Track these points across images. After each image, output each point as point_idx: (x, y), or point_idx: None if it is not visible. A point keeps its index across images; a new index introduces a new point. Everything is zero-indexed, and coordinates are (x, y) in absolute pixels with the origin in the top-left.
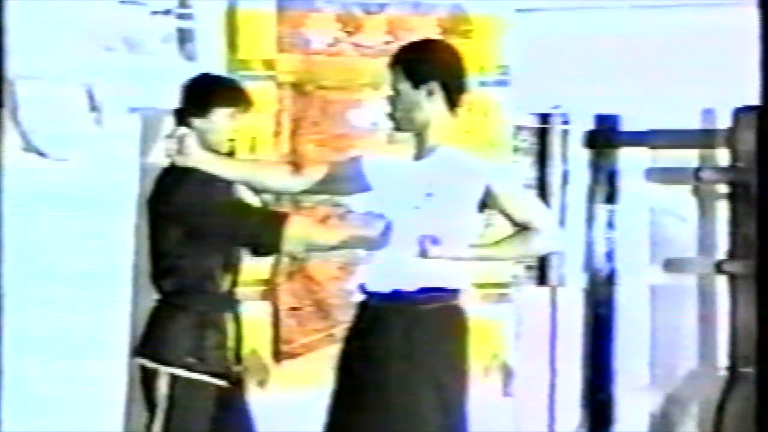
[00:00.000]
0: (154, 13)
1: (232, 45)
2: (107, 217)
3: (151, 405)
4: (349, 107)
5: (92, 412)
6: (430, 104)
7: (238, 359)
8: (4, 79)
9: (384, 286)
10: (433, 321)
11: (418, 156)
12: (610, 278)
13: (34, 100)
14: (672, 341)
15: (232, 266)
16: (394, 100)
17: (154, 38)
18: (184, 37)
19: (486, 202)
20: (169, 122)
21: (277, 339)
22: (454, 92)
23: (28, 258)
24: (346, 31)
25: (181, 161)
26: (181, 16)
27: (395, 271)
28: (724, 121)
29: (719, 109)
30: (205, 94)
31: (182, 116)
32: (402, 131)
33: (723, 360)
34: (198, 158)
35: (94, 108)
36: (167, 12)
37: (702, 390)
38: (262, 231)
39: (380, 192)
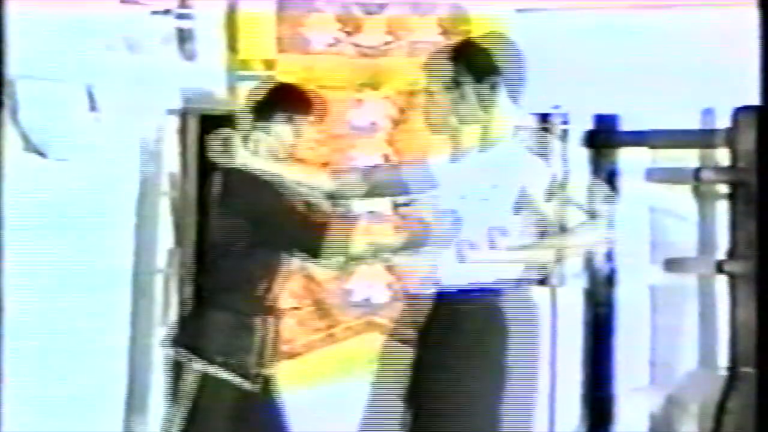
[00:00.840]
0: (154, 13)
1: (232, 45)
2: (107, 216)
3: (176, 396)
4: (349, 107)
5: (92, 412)
6: (493, 98)
7: (261, 363)
8: (4, 79)
9: (460, 280)
10: (506, 313)
11: (482, 149)
12: (610, 278)
13: (34, 100)
14: (672, 341)
15: (272, 270)
16: (456, 95)
17: (154, 38)
18: (184, 37)
19: (524, 202)
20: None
21: (276, 339)
22: (515, 86)
23: (29, 258)
24: (346, 31)
25: (226, 162)
26: (181, 16)
27: (468, 264)
28: (724, 121)
29: (719, 109)
30: (281, 104)
31: (254, 122)
32: (465, 123)
33: (723, 360)
34: (243, 161)
35: (94, 108)
36: (167, 12)
37: (702, 390)
38: (301, 238)
39: (447, 187)
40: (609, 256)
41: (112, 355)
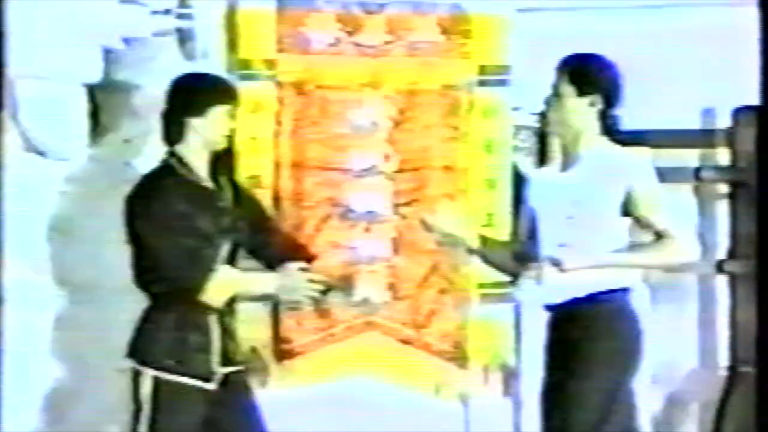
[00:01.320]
0: (154, 13)
1: (232, 45)
2: (107, 216)
3: (136, 405)
4: (349, 107)
5: (93, 412)
6: (589, 114)
7: (227, 361)
8: (4, 79)
9: (558, 298)
10: (606, 322)
11: (565, 166)
12: None
13: (34, 100)
14: (672, 341)
15: (216, 268)
16: (552, 102)
17: (154, 38)
18: (184, 37)
19: (627, 207)
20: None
21: (277, 339)
22: (612, 108)
23: (29, 258)
24: (347, 31)
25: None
26: (181, 16)
27: (562, 282)
28: (724, 121)
29: (719, 109)
30: (203, 93)
31: (176, 116)
32: (551, 132)
33: (723, 360)
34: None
35: (93, 108)
36: (167, 12)
37: (702, 390)
38: (184, 275)
39: (537, 209)
40: None
41: (112, 355)
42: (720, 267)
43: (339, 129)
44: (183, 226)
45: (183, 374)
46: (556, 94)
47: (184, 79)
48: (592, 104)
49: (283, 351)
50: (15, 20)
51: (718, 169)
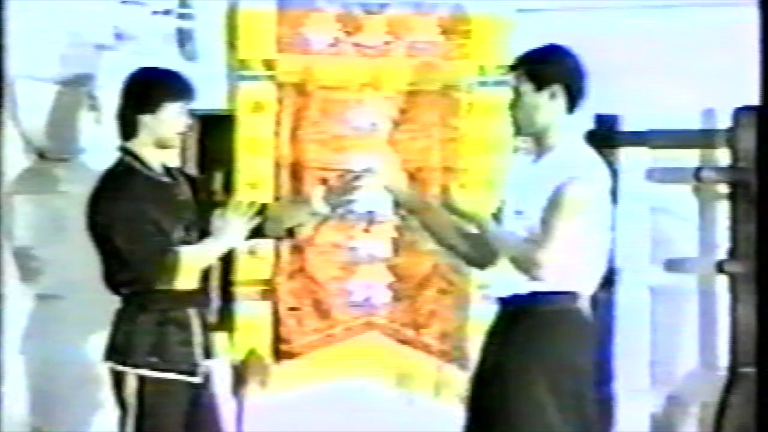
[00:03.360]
0: (154, 13)
1: (232, 45)
2: None
3: (122, 406)
4: (349, 107)
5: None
6: (552, 106)
7: (208, 355)
8: (4, 79)
9: (506, 291)
10: (551, 322)
11: (537, 157)
12: (610, 278)
13: (34, 100)
14: (672, 341)
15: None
16: (515, 103)
17: (154, 38)
18: (184, 38)
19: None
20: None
21: (277, 339)
22: (575, 96)
23: (29, 258)
24: (346, 31)
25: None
26: (181, 16)
27: (516, 276)
28: (724, 121)
29: (719, 109)
30: (154, 90)
31: (128, 114)
32: (521, 134)
33: (723, 360)
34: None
35: (94, 108)
36: (167, 12)
37: (702, 390)
38: (155, 271)
39: (506, 196)
40: (609, 256)
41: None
42: (720, 267)
43: (339, 129)
44: (147, 224)
45: (168, 371)
46: (517, 94)
47: (137, 75)
48: (552, 96)
49: (282, 351)
50: (15, 20)
51: (718, 169)
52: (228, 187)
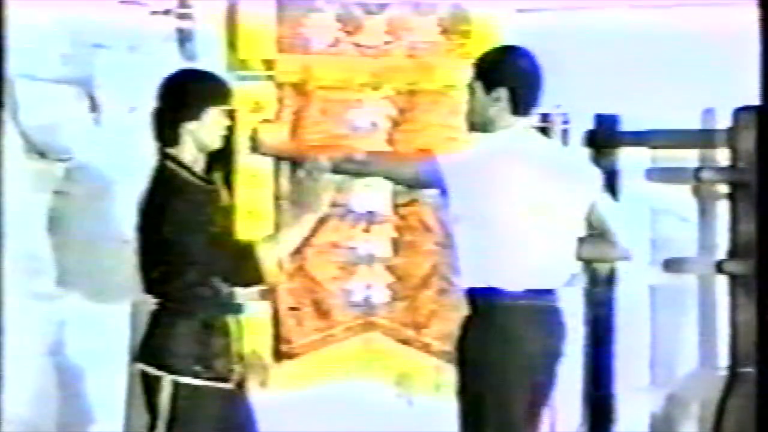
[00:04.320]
0: (154, 13)
1: (232, 45)
2: (107, 217)
3: (152, 411)
4: (349, 107)
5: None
6: (496, 108)
7: (240, 359)
8: (4, 79)
9: (479, 283)
10: (527, 319)
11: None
12: (610, 278)
13: (34, 100)
14: (672, 341)
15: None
16: (468, 102)
17: (154, 38)
18: (184, 37)
19: None
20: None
21: (277, 339)
22: (521, 99)
23: (29, 258)
24: (346, 31)
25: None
26: (181, 16)
27: (492, 269)
28: (724, 121)
29: (719, 109)
30: (196, 96)
31: (170, 122)
32: (473, 131)
33: (723, 360)
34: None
35: (94, 108)
36: (167, 12)
37: (702, 390)
38: (239, 265)
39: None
40: None
41: (112, 355)
42: (720, 267)
43: (339, 129)
44: (199, 228)
45: (208, 378)
46: (471, 93)
47: (177, 80)
48: (497, 99)
49: (282, 351)
50: (15, 20)
51: (718, 169)
52: (228, 187)
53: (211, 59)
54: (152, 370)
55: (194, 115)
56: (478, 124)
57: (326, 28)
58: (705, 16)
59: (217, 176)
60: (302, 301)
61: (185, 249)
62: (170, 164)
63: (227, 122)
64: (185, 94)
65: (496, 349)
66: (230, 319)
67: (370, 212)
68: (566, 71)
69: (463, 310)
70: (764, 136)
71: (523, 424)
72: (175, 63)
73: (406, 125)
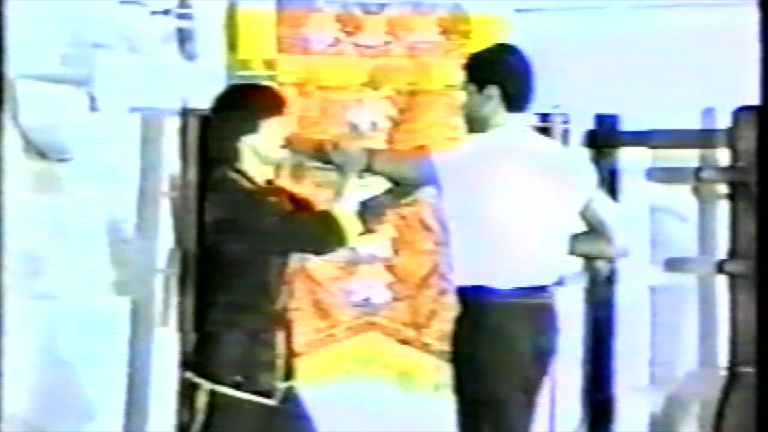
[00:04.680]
0: (154, 13)
1: (232, 45)
2: (107, 217)
3: (189, 416)
4: (349, 107)
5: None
6: (489, 107)
7: (288, 376)
8: (4, 79)
9: (471, 281)
10: (517, 316)
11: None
12: (610, 278)
13: (34, 100)
14: (672, 341)
15: (287, 282)
16: (464, 103)
17: (154, 38)
18: (184, 37)
19: None
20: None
21: None
22: (513, 96)
23: (29, 258)
24: (346, 31)
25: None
26: (181, 16)
27: (482, 267)
28: (724, 121)
29: (719, 109)
30: (252, 110)
31: (229, 138)
32: (470, 132)
33: (723, 360)
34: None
35: (94, 108)
36: (167, 12)
37: (702, 390)
38: (323, 232)
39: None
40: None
41: (112, 355)
42: (720, 267)
43: (339, 129)
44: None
45: (248, 391)
46: (466, 93)
47: (230, 94)
48: (489, 97)
49: None
50: (15, 20)
51: (718, 169)
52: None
53: (211, 59)
54: (194, 377)
55: (251, 128)
56: (475, 123)
57: (326, 28)
58: (705, 16)
59: (282, 186)
60: (303, 301)
61: (244, 258)
62: (232, 174)
63: (285, 132)
64: (240, 108)
65: (487, 347)
66: (278, 334)
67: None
68: (566, 71)
69: None
70: (764, 136)
71: (517, 421)
72: (175, 63)
73: (406, 125)
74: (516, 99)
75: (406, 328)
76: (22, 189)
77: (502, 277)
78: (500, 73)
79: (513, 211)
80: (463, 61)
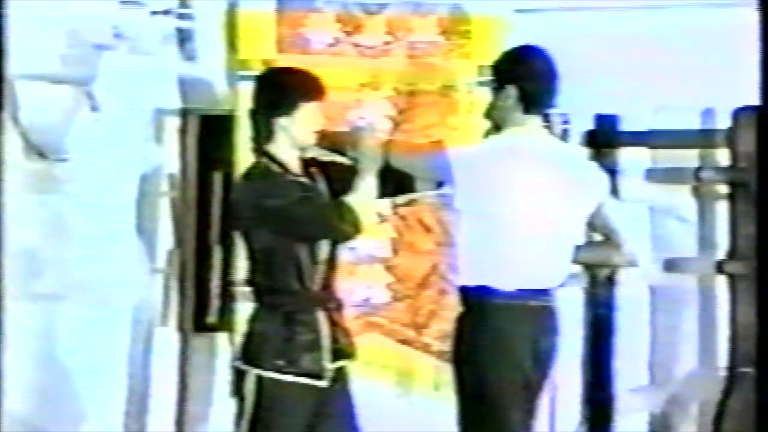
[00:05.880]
0: (154, 13)
1: (232, 45)
2: (107, 217)
3: (240, 402)
4: (349, 107)
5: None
6: (507, 106)
7: (336, 356)
8: (4, 79)
9: (475, 281)
10: (519, 318)
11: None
12: (610, 278)
13: (34, 100)
14: (672, 341)
15: (322, 263)
16: (488, 102)
17: (154, 38)
18: (184, 37)
19: None
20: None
21: None
22: (531, 96)
23: (29, 258)
24: (346, 31)
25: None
26: (181, 16)
27: (487, 268)
28: (724, 121)
29: (719, 109)
30: (289, 92)
31: (263, 118)
32: (492, 130)
33: (723, 360)
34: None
35: (94, 108)
36: (167, 12)
37: (702, 390)
38: (338, 220)
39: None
40: None
41: (111, 356)
42: (720, 267)
43: (339, 129)
44: (292, 223)
45: (292, 373)
46: (490, 90)
47: (269, 76)
48: (507, 96)
49: None
50: (15, 20)
51: (718, 169)
52: (228, 187)
53: (211, 59)
54: (241, 365)
55: (286, 111)
56: (495, 123)
57: (326, 28)
58: (705, 16)
59: (218, 177)
60: None
61: (277, 244)
62: (263, 160)
63: (321, 119)
64: (277, 90)
65: (488, 348)
66: (319, 315)
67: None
68: (566, 71)
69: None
70: (764, 136)
71: (518, 422)
72: (175, 63)
73: (405, 125)
74: (534, 100)
75: (406, 328)
76: (22, 189)
77: (507, 279)
78: (519, 74)
79: (524, 212)
80: (474, 60)
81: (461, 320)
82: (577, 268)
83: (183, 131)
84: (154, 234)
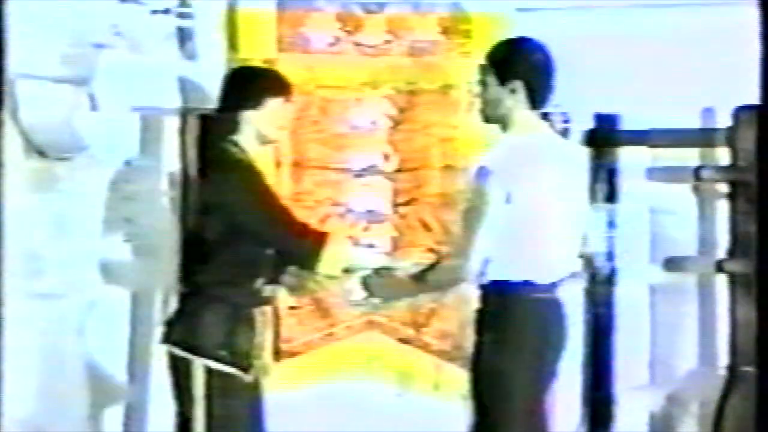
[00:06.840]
0: (154, 12)
1: (232, 44)
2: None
3: (184, 394)
4: (349, 107)
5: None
6: (512, 101)
7: (259, 355)
8: (4, 79)
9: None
10: (531, 311)
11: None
12: (610, 278)
13: (34, 100)
14: (672, 341)
15: (272, 262)
16: (481, 94)
17: (154, 38)
18: (184, 37)
19: None
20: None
21: (277, 337)
22: (537, 92)
23: (29, 258)
24: (346, 31)
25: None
26: (181, 16)
27: (499, 263)
28: (724, 121)
29: (719, 109)
30: (257, 86)
31: (231, 110)
32: (487, 122)
33: (723, 360)
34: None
35: (94, 108)
36: (167, 11)
37: (702, 390)
38: (299, 247)
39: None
40: (609, 256)
41: (111, 356)
42: (720, 267)
43: (339, 129)
44: (259, 203)
45: (231, 365)
46: (483, 85)
47: (239, 71)
48: (513, 91)
49: (283, 350)
50: (15, 20)
51: (718, 168)
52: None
53: (211, 59)
54: (181, 353)
55: (253, 104)
56: (494, 116)
57: (326, 27)
58: (705, 16)
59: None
60: (302, 300)
61: (239, 224)
62: (230, 147)
63: (288, 116)
64: (245, 83)
65: (509, 340)
66: (257, 312)
67: (370, 212)
68: (566, 71)
69: (462, 309)
70: (764, 136)
71: (527, 415)
72: (175, 63)
73: (406, 125)
74: (539, 95)
75: (406, 327)
76: (22, 189)
77: (534, 273)
78: (526, 68)
79: (549, 210)
80: (480, 55)
81: (482, 314)
82: (578, 268)
83: (183, 131)
84: (154, 234)
